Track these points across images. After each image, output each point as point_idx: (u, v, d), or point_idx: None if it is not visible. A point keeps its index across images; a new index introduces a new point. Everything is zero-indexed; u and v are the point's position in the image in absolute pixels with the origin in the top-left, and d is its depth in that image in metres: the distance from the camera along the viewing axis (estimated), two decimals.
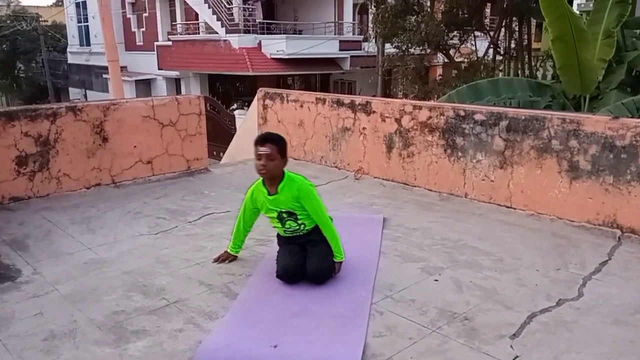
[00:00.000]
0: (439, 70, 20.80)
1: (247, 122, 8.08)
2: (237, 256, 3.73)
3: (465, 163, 4.95)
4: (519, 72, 15.08)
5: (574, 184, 4.28)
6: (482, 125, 4.79)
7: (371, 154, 5.78)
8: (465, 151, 4.94)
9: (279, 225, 3.48)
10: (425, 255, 3.85)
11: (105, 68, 17.46)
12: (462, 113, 4.94)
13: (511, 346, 2.71)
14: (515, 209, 4.66)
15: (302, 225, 3.44)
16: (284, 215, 3.41)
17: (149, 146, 5.84)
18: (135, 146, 5.73)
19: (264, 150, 3.24)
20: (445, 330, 2.88)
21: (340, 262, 3.38)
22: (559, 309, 3.08)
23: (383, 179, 5.70)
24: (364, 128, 5.81)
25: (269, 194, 3.40)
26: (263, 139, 3.32)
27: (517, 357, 2.62)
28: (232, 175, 6.29)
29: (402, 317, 3.02)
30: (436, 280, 3.48)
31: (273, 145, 3.26)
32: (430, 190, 5.27)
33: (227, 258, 3.72)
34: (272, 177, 3.36)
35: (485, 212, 4.72)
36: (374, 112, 5.68)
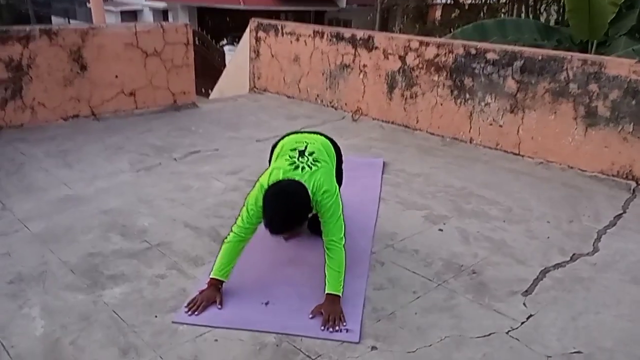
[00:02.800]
0: (439, 12, 20.00)
1: (239, 56, 7.60)
2: (223, 282, 2.48)
3: (473, 106, 4.62)
4: (522, 14, 14.45)
5: (589, 132, 3.99)
6: (494, 65, 4.42)
7: (371, 93, 5.41)
8: (474, 93, 4.59)
9: None
10: (428, 203, 3.59)
11: None
12: (473, 51, 4.55)
13: (524, 304, 2.49)
14: (523, 156, 4.38)
15: None
16: None
17: (132, 77, 5.40)
18: (116, 76, 5.29)
19: (285, 236, 2.69)
20: (452, 284, 2.64)
21: (339, 297, 2.39)
22: (573, 264, 2.86)
23: (383, 121, 5.36)
24: (364, 65, 5.41)
25: None
26: (278, 232, 2.43)
27: (530, 316, 2.40)
28: (222, 111, 5.91)
29: (405, 269, 2.78)
30: (441, 229, 3.23)
31: (291, 230, 2.52)
32: (433, 134, 4.95)
33: (208, 299, 2.41)
34: None
35: (492, 159, 4.43)
36: (377, 48, 5.26)
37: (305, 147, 2.63)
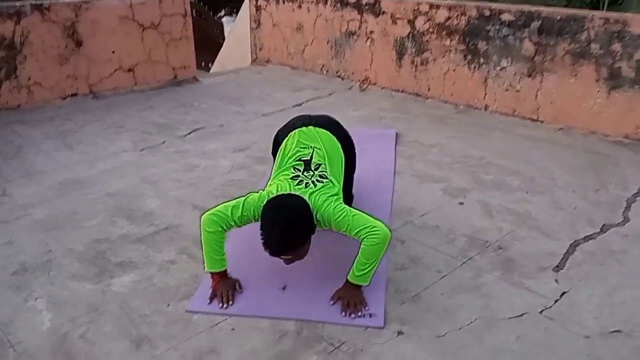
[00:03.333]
0: None
1: (239, 27, 7.36)
2: (226, 270, 2.29)
3: (488, 71, 4.41)
4: None
5: (612, 94, 3.79)
6: (510, 27, 4.20)
7: (379, 61, 5.19)
8: (488, 57, 4.38)
9: None
10: (446, 175, 3.43)
11: None
12: (487, 13, 4.32)
13: (556, 280, 2.36)
14: (542, 122, 4.19)
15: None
16: None
17: (129, 52, 5.19)
18: (113, 51, 5.09)
19: (287, 257, 2.17)
20: (477, 262, 2.51)
21: (360, 287, 2.22)
22: (604, 236, 2.71)
23: (392, 90, 5.16)
24: (371, 32, 5.17)
25: None
26: (277, 250, 2.10)
27: (564, 293, 2.27)
28: (224, 85, 5.71)
29: (427, 247, 2.64)
30: (461, 203, 3.08)
31: (294, 250, 2.12)
32: (446, 102, 4.76)
33: (228, 289, 2.25)
34: None
35: (509, 126, 4.25)
36: (384, 12, 5.02)
37: (311, 157, 2.41)
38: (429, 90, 4.85)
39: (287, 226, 2.05)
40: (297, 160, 2.41)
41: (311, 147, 2.47)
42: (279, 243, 2.05)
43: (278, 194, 2.21)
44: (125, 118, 4.57)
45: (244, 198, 2.25)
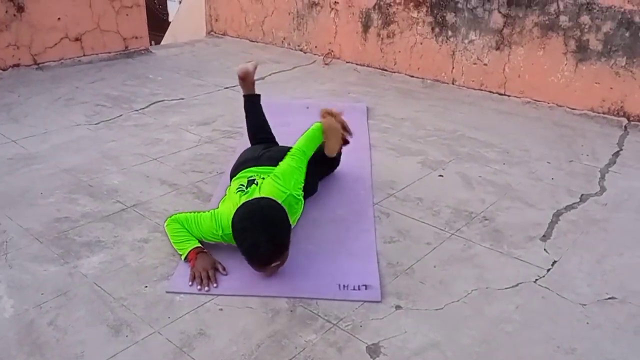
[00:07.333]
0: None
1: None
2: (201, 247, 2.18)
3: (456, 44, 4.36)
4: None
5: (580, 67, 3.83)
6: None
7: (344, 34, 5.05)
8: (457, 30, 4.33)
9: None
10: (422, 148, 3.37)
11: None
12: None
13: (545, 250, 2.34)
14: (509, 96, 4.20)
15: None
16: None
17: (76, 19, 4.80)
18: (59, 18, 4.69)
19: (275, 265, 2.03)
20: (466, 233, 2.46)
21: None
22: (584, 205, 2.73)
23: (357, 64, 5.05)
24: (335, 2, 5.02)
25: None
26: (269, 259, 1.98)
27: (555, 262, 2.25)
28: (180, 57, 5.42)
29: (413, 219, 2.57)
30: (441, 175, 3.02)
31: (282, 254, 2.02)
32: (412, 76, 4.69)
33: (210, 266, 2.10)
34: None
35: (476, 100, 4.24)
36: None
37: (258, 174, 2.39)
38: (395, 64, 4.76)
39: (272, 229, 1.96)
40: (241, 184, 2.36)
41: (256, 172, 2.43)
42: (269, 251, 1.95)
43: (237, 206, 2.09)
44: (75, 90, 4.24)
45: (197, 212, 2.26)
